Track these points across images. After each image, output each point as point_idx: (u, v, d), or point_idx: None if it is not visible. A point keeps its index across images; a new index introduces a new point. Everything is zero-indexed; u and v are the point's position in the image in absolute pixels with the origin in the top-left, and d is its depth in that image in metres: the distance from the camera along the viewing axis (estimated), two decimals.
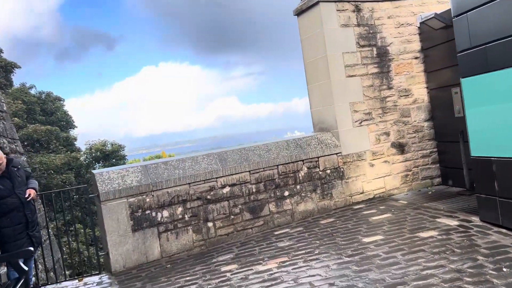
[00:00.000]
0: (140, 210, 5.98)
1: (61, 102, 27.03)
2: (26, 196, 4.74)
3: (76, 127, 28.36)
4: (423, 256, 4.59)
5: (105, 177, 5.94)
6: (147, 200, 6.03)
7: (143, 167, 6.22)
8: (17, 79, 26.05)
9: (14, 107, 18.70)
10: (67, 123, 26.69)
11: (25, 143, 21.45)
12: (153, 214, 6.05)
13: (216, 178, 6.50)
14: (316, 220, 6.89)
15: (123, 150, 26.34)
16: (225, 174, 6.55)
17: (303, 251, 5.41)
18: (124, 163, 26.27)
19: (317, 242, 5.72)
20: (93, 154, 25.20)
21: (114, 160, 25.70)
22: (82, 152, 24.85)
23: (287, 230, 6.61)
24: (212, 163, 6.57)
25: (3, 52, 21.27)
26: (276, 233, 6.54)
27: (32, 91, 26.31)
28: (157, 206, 6.09)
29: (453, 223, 5.62)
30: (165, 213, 6.13)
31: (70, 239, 8.10)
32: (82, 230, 16.97)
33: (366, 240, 5.46)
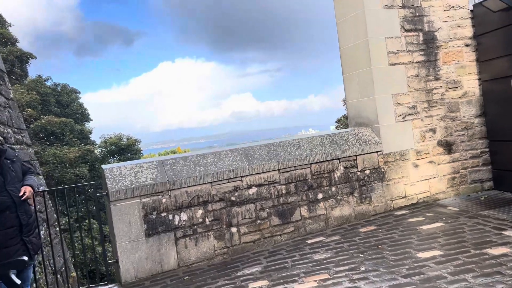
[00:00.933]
0: (155, 212, 5.21)
1: (77, 94, 26.61)
2: (21, 194, 3.99)
3: (92, 120, 27.93)
4: (502, 281, 3.70)
5: (116, 173, 5.19)
6: (163, 200, 5.26)
7: (159, 162, 5.45)
8: (36, 72, 25.65)
9: (28, 97, 18.24)
10: (82, 116, 26.26)
11: (41, 135, 21.05)
12: (170, 217, 5.28)
13: (242, 177, 5.69)
14: (354, 228, 6.02)
15: (139, 144, 25.82)
16: (251, 173, 5.73)
17: (346, 267, 4.55)
18: (139, 158, 25.73)
19: (360, 255, 4.85)
20: (108, 148, 24.74)
21: (129, 154, 25.20)
22: (97, 146, 24.38)
23: (321, 238, 5.76)
24: (237, 160, 5.76)
25: (18, 42, 20.85)
26: (309, 241, 5.70)
27: (48, 83, 25.95)
28: (174, 208, 5.31)
29: None
30: (184, 216, 5.36)
31: (81, 236, 7.47)
32: (94, 226, 16.41)
33: (421, 255, 4.57)
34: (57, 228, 8.50)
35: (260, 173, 5.79)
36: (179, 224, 5.32)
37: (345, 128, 23.64)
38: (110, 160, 25.02)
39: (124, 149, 24.89)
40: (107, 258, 5.32)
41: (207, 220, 5.47)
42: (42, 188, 8.27)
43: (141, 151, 27.37)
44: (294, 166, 6.00)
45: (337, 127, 24.19)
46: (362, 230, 5.88)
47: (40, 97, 21.48)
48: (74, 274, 8.69)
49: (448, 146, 7.16)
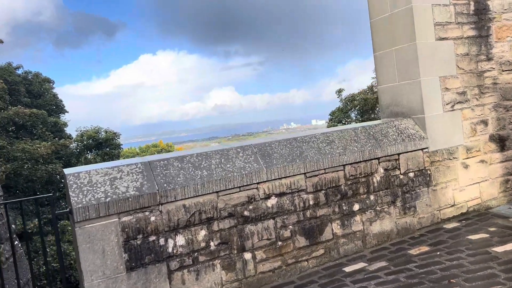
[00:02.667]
0: (141, 236, 3.71)
1: (50, 84, 24.50)
2: None
3: (67, 112, 25.86)
4: None
5: (84, 180, 3.65)
6: (152, 219, 3.76)
7: (145, 165, 3.93)
8: (7, 60, 23.43)
9: None
10: (56, 107, 24.22)
11: (8, 128, 19.06)
12: (161, 241, 3.78)
13: (257, 183, 4.23)
14: (400, 248, 4.65)
15: (118, 138, 23.97)
16: (270, 178, 4.28)
17: None
18: (119, 153, 23.91)
19: None
20: (85, 142, 22.84)
21: (108, 149, 23.37)
22: (72, 140, 22.44)
23: (361, 264, 4.36)
24: (250, 161, 4.29)
25: None
26: (346, 269, 4.29)
27: (19, 72, 23.77)
28: (167, 229, 3.81)
29: None
30: (180, 240, 3.86)
31: (46, 259, 6.07)
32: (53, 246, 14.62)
33: None
34: (16, 242, 6.87)
35: (281, 178, 4.34)
36: (174, 251, 3.83)
37: (338, 123, 22.42)
38: (87, 155, 23.13)
39: (102, 143, 23.03)
40: None
41: (212, 244, 4.00)
42: None
43: (121, 145, 25.51)
44: (324, 169, 4.57)
45: (330, 120, 22.90)
46: (412, 252, 4.51)
47: (8, 86, 19.43)
48: None
49: (501, 142, 5.85)
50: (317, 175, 4.53)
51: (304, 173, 4.46)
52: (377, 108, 21.42)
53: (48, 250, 14.35)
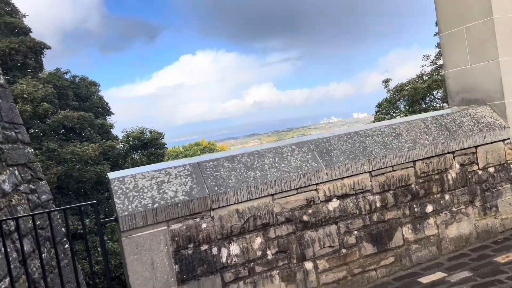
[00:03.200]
0: (192, 245, 3.37)
1: (96, 87, 25.15)
2: None
3: (113, 114, 26.49)
4: None
5: (130, 185, 3.36)
6: (203, 226, 3.41)
7: (194, 166, 3.58)
8: (57, 66, 24.25)
9: (43, 91, 16.78)
10: (103, 109, 24.82)
11: (59, 131, 19.68)
12: (214, 251, 3.43)
13: (317, 184, 3.77)
14: (482, 255, 4.04)
15: (163, 138, 24.18)
16: (330, 178, 3.81)
17: None
18: (163, 153, 24.17)
19: None
20: (131, 143, 23.21)
21: (153, 148, 23.64)
22: (119, 141, 22.89)
23: (439, 274, 3.80)
24: (307, 159, 3.84)
25: (31, 32, 19.42)
26: (422, 280, 3.75)
27: (67, 77, 24.58)
28: (220, 237, 3.45)
29: None
30: (234, 249, 3.49)
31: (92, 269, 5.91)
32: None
33: None
34: (66, 246, 6.83)
35: (342, 178, 3.86)
36: (228, 261, 3.46)
37: (386, 115, 21.37)
38: (133, 155, 23.53)
39: (148, 144, 23.29)
40: None
41: (269, 252, 3.59)
42: (44, 197, 6.59)
43: (166, 145, 25.78)
44: (392, 166, 4.04)
45: (377, 112, 21.87)
46: (499, 259, 3.89)
47: (57, 90, 20.06)
48: None
49: None
50: (384, 173, 4.01)
51: (369, 172, 3.95)
52: (428, 98, 20.22)
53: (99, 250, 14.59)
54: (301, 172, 3.73)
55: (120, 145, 22.87)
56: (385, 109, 20.76)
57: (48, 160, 16.20)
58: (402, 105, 20.67)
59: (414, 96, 18.87)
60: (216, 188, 3.48)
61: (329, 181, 3.82)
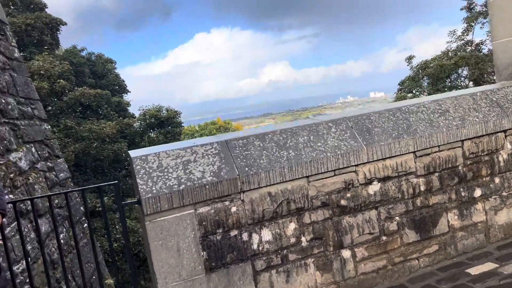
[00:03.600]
0: (221, 230, 3.09)
1: (113, 64, 24.93)
2: None
3: (130, 91, 26.32)
4: None
5: (153, 165, 3.07)
6: (233, 209, 3.12)
7: (222, 145, 3.27)
8: (72, 44, 24.04)
9: (59, 68, 16.60)
10: (119, 87, 24.65)
11: (76, 108, 19.60)
12: (244, 236, 3.15)
13: (356, 165, 3.43)
14: None
15: (179, 116, 23.98)
16: (371, 159, 3.46)
17: None
18: (180, 131, 24.02)
19: None
20: (147, 121, 23.09)
21: (169, 127, 23.49)
22: (135, 119, 22.78)
23: (490, 265, 3.46)
24: (346, 137, 3.49)
25: (47, 7, 19.14)
26: (471, 271, 3.42)
27: (83, 54, 24.38)
28: (251, 222, 3.16)
29: None
30: (266, 235, 3.20)
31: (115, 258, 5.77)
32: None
33: None
34: (85, 225, 6.69)
35: (384, 159, 3.51)
36: (260, 248, 3.18)
37: (408, 93, 20.65)
38: (150, 133, 23.44)
39: (164, 122, 23.13)
40: None
41: (303, 239, 3.30)
42: (62, 175, 6.41)
43: (182, 124, 25.60)
44: (438, 146, 3.66)
45: (399, 90, 21.17)
46: None
47: (74, 67, 19.89)
48: (110, 281, 6.94)
49: None
50: (429, 154, 3.63)
51: (414, 152, 3.59)
52: (453, 76, 19.43)
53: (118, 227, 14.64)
54: (339, 152, 3.39)
55: (137, 123, 22.77)
56: (408, 87, 20.06)
57: (66, 137, 16.17)
58: (425, 83, 19.94)
59: (439, 74, 18.12)
60: (246, 168, 3.17)
61: (370, 162, 3.47)
